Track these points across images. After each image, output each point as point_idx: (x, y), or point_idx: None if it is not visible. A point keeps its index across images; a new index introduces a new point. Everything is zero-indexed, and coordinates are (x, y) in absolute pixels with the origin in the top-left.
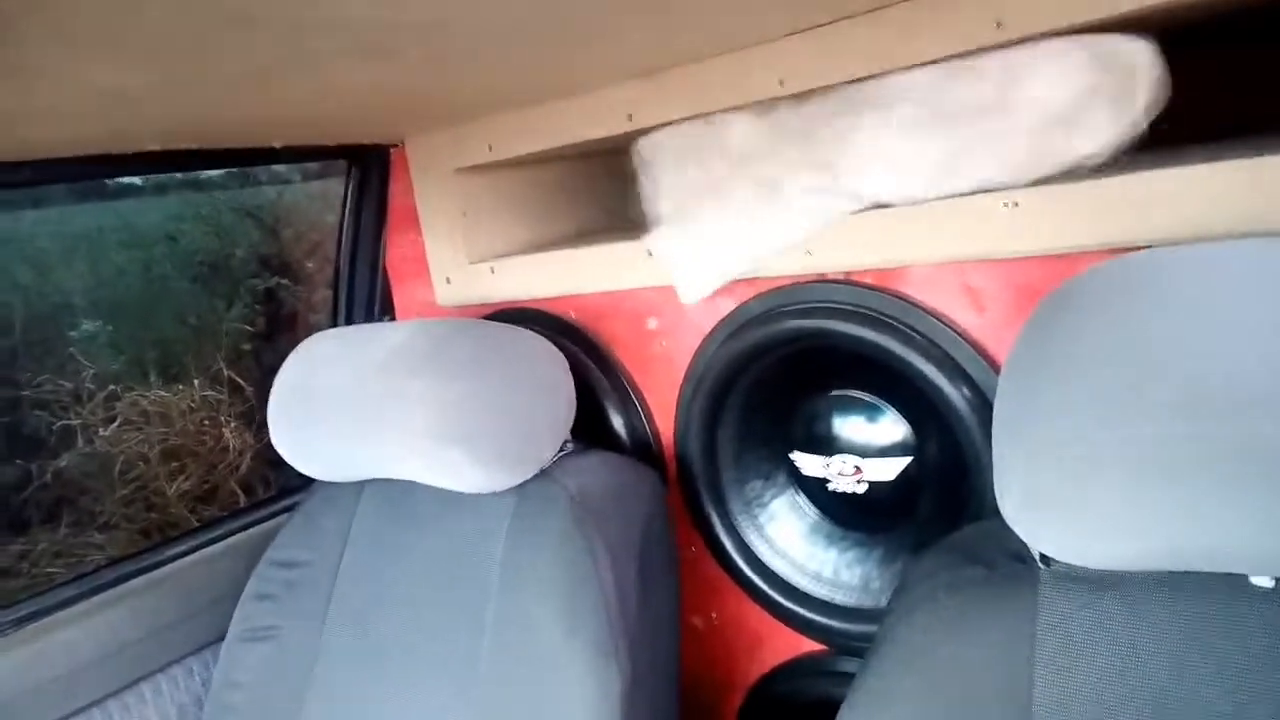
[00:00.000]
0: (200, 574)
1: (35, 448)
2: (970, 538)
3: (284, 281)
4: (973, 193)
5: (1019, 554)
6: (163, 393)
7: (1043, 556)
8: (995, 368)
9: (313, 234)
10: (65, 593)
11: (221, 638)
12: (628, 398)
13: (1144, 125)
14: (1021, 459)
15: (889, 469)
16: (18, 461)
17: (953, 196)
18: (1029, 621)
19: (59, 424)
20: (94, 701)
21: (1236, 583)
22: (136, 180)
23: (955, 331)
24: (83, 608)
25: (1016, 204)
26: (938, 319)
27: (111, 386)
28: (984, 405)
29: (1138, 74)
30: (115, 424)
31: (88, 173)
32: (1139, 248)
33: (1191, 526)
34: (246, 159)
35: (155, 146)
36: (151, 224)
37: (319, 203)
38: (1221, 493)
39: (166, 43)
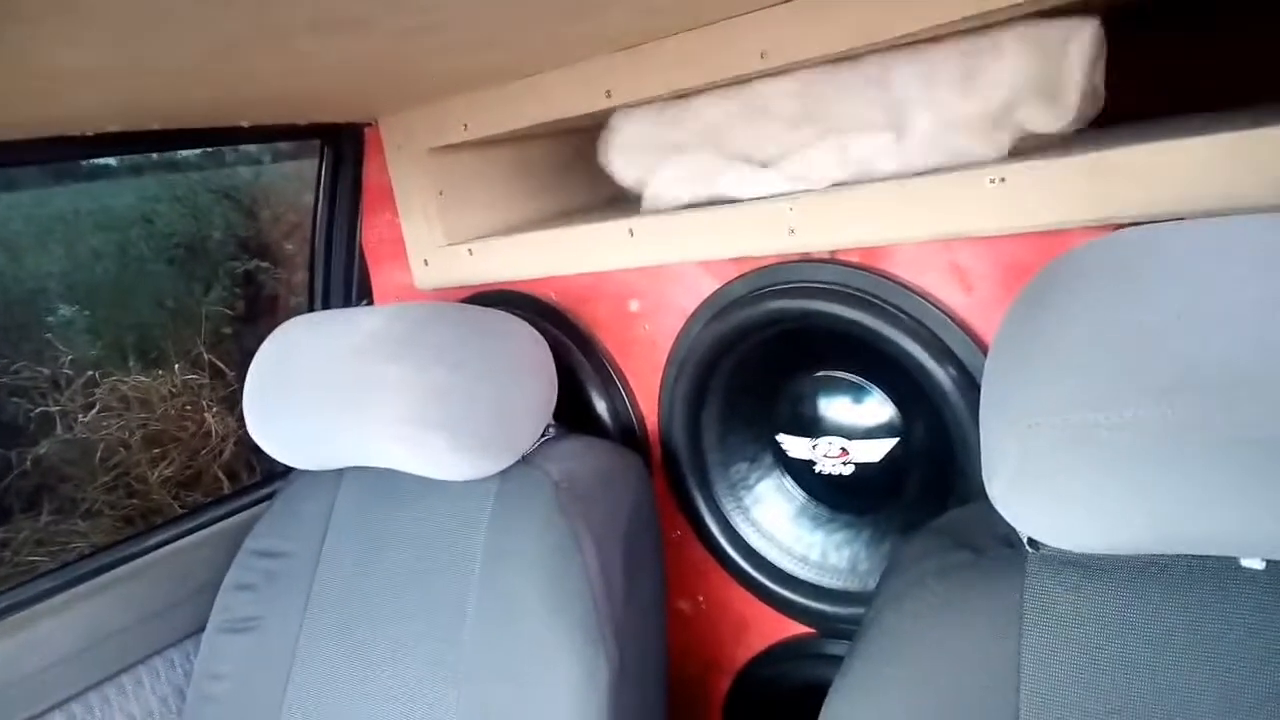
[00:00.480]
0: (180, 564)
1: (14, 435)
2: (958, 521)
3: (263, 264)
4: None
5: (1007, 537)
6: (142, 378)
7: (1030, 540)
8: (983, 348)
9: (291, 215)
10: (43, 584)
11: (202, 628)
12: (610, 381)
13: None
14: (1009, 441)
15: (876, 450)
16: None
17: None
18: (1016, 606)
19: (37, 410)
20: (74, 695)
21: (1226, 565)
22: (110, 161)
23: (942, 311)
24: (62, 599)
25: (1003, 180)
26: (924, 298)
27: (90, 372)
28: (971, 386)
29: (1085, 56)
30: (95, 410)
31: (49, 155)
32: (1129, 224)
33: (1182, 510)
34: (214, 139)
35: (118, 128)
36: (127, 205)
37: (296, 183)
38: (1213, 475)
39: (126, 17)
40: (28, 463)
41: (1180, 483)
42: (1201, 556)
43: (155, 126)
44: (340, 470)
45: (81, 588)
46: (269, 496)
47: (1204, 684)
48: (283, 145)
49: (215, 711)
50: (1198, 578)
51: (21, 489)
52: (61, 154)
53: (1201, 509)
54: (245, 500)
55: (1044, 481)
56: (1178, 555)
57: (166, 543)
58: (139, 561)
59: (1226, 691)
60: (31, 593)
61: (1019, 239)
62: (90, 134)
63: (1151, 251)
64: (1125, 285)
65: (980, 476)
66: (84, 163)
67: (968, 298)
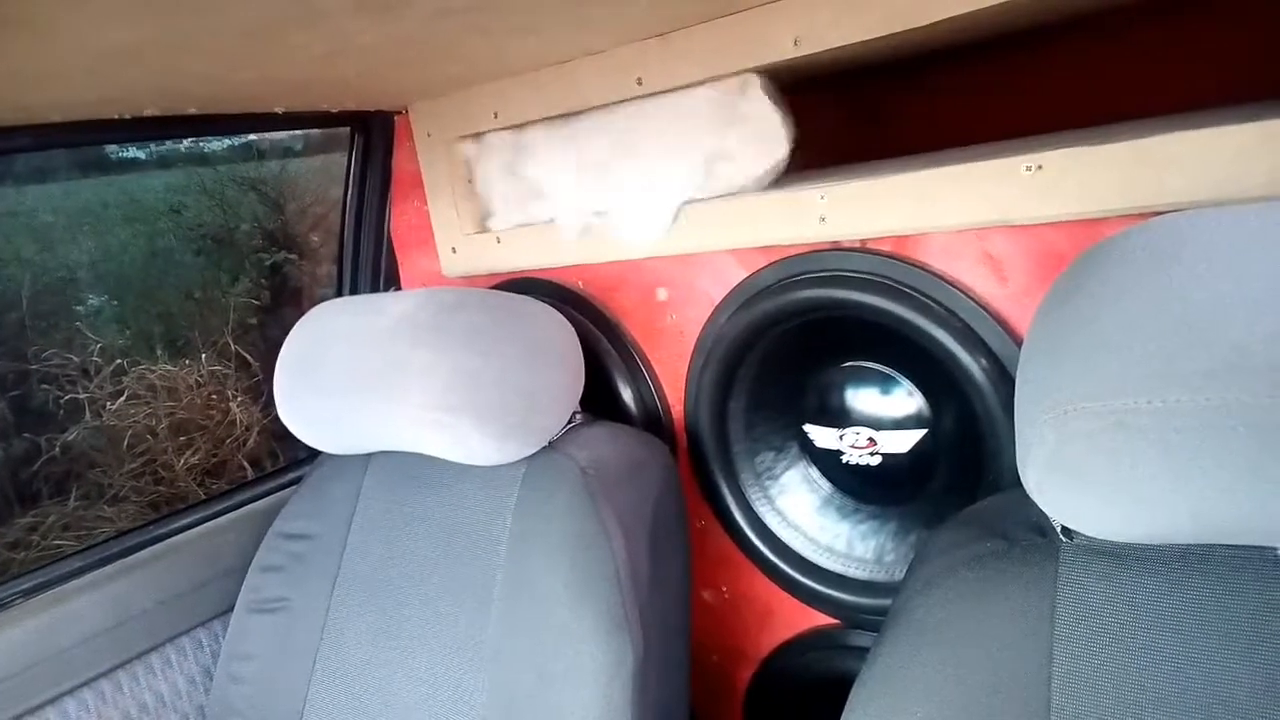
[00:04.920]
0: (208, 546)
1: (44, 421)
2: (989, 510)
3: (289, 256)
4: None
5: (1039, 526)
6: (169, 367)
7: (1064, 529)
8: (1015, 339)
9: (317, 208)
10: (74, 564)
11: (230, 609)
12: (637, 369)
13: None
14: (1045, 428)
15: (904, 441)
16: (26, 435)
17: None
18: (1049, 595)
19: (67, 398)
20: (103, 672)
21: (1264, 556)
22: (139, 153)
23: (975, 301)
24: (91, 579)
25: (1040, 167)
26: (957, 288)
27: (118, 360)
28: (1003, 377)
29: (777, 116)
30: (123, 398)
31: (86, 139)
32: (1168, 211)
33: (1223, 498)
34: (248, 125)
35: (154, 111)
36: (155, 197)
37: (322, 176)
38: (1255, 463)
39: None
40: (56, 449)
41: (1221, 470)
42: (1239, 546)
43: (192, 111)
44: (367, 455)
45: (112, 567)
46: (296, 480)
47: (1241, 675)
48: (310, 139)
49: (243, 691)
50: (1236, 568)
51: (50, 474)
52: (99, 138)
53: (1243, 497)
54: (273, 484)
55: (1080, 469)
56: (1215, 545)
57: (195, 524)
58: (168, 543)
59: (1265, 683)
60: (63, 571)
61: (1055, 227)
62: (128, 117)
63: (1192, 237)
64: (1165, 270)
65: (1012, 468)
66: (113, 155)
67: (1002, 288)
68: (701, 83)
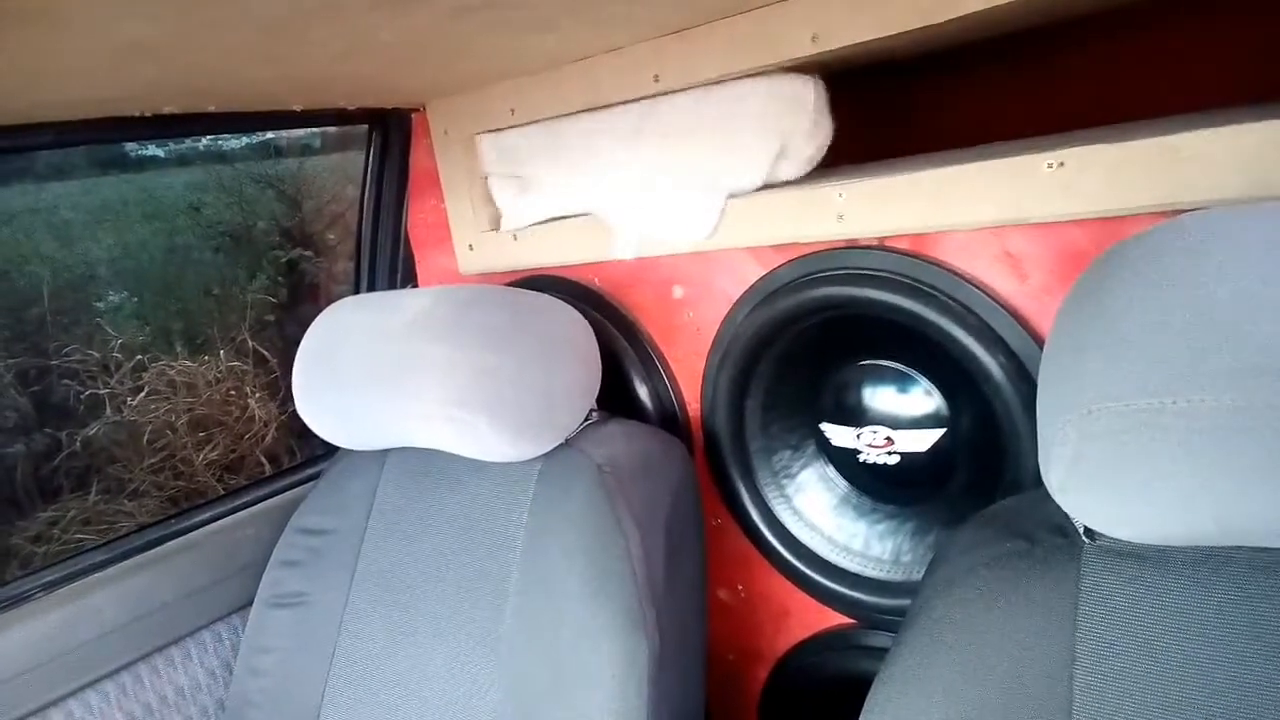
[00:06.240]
0: (228, 540)
1: (65, 416)
2: (1009, 511)
3: (305, 253)
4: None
5: (1061, 527)
6: (189, 363)
7: (1087, 530)
8: (1035, 337)
9: (334, 206)
10: (95, 557)
11: (249, 604)
12: (653, 367)
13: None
14: (1068, 428)
15: (922, 440)
16: (47, 430)
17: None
18: (1071, 596)
19: (87, 393)
20: (123, 666)
21: None
22: (159, 151)
23: (994, 299)
24: (112, 573)
25: (1062, 164)
26: (975, 286)
27: (138, 356)
28: (1022, 375)
29: (816, 109)
30: (143, 393)
31: (106, 136)
32: (1192, 208)
33: (1245, 500)
34: (266, 122)
35: (174, 109)
36: (174, 195)
37: (339, 174)
38: (1277, 466)
39: None
40: (77, 444)
41: (1245, 472)
42: (1263, 548)
43: (210, 108)
44: (384, 450)
45: (132, 562)
46: (314, 476)
47: (1265, 679)
48: (328, 136)
49: (261, 684)
50: (1260, 570)
51: (71, 469)
52: (119, 135)
53: (1267, 500)
54: (291, 479)
55: (1103, 469)
56: (1239, 547)
57: (214, 519)
58: (188, 537)
59: None
60: (84, 565)
61: (1075, 225)
62: (148, 115)
63: (1218, 235)
64: (1190, 269)
65: (1031, 468)
66: (133, 152)
67: (1021, 285)
68: (741, 77)
